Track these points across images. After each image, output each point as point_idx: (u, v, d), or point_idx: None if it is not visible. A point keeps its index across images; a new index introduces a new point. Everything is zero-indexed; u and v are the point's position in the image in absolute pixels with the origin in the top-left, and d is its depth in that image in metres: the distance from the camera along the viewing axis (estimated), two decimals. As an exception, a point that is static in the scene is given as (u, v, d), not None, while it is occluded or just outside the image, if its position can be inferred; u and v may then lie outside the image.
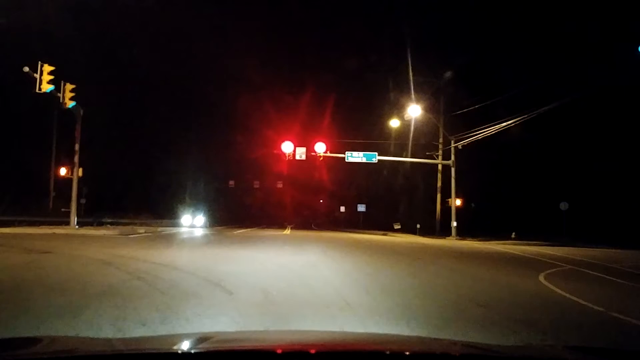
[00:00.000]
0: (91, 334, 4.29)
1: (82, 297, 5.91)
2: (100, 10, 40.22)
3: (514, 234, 28.15)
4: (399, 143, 34.69)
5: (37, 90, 19.01)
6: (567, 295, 7.82)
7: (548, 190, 31.54)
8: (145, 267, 8.83)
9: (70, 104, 21.11)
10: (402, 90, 32.02)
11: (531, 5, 35.94)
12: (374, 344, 2.77)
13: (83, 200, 30.00)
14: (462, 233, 29.57)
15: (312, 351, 2.11)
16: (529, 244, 23.87)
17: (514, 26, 35.88)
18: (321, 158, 30.12)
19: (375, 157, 30.69)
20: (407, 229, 34.52)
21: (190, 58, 70.00)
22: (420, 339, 3.82)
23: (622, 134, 30.11)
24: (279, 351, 2.07)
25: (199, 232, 27.35)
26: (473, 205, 35.39)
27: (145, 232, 22.59)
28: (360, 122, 45.83)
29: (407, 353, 2.19)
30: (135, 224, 28.94)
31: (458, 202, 30.98)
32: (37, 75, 18.86)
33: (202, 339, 2.34)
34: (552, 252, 18.44)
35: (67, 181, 23.94)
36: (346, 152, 30.45)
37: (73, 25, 34.41)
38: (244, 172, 63.21)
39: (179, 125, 62.23)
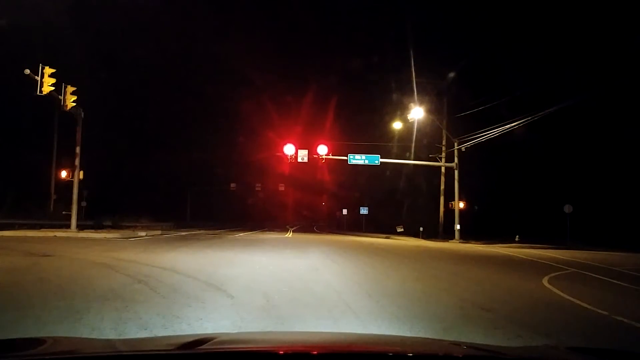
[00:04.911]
0: (93, 337, 4.25)
1: (83, 301, 5.89)
2: (101, 11, 40.43)
3: (517, 237, 28.03)
4: (402, 145, 34.60)
5: (38, 93, 19.02)
6: (571, 298, 7.77)
7: (552, 193, 31.41)
8: (147, 271, 8.81)
9: (71, 106, 21.13)
10: (405, 92, 31.99)
11: (535, 5, 35.88)
12: (376, 344, 2.74)
13: (84, 203, 29.98)
14: (466, 236, 29.47)
15: (314, 352, 2.07)
16: (532, 247, 23.79)
17: (518, 26, 35.75)
18: (323, 160, 30.04)
19: (378, 160, 30.52)
20: (410, 232, 34.40)
21: (192, 60, 70.30)
22: (422, 340, 3.79)
23: (626, 136, 29.96)
24: (281, 352, 2.04)
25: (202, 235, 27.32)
26: (476, 207, 35.28)
27: (146, 235, 22.59)
28: (363, 124, 45.76)
29: (410, 354, 2.15)
30: (136, 227, 28.94)
31: (461, 204, 30.84)
32: (38, 78, 18.86)
33: (204, 340, 2.31)
34: (555, 255, 18.36)
35: (68, 183, 23.94)
36: (348, 155, 30.30)
37: (74, 26, 34.59)
38: (245, 174, 63.31)
39: (181, 127, 62.30)
